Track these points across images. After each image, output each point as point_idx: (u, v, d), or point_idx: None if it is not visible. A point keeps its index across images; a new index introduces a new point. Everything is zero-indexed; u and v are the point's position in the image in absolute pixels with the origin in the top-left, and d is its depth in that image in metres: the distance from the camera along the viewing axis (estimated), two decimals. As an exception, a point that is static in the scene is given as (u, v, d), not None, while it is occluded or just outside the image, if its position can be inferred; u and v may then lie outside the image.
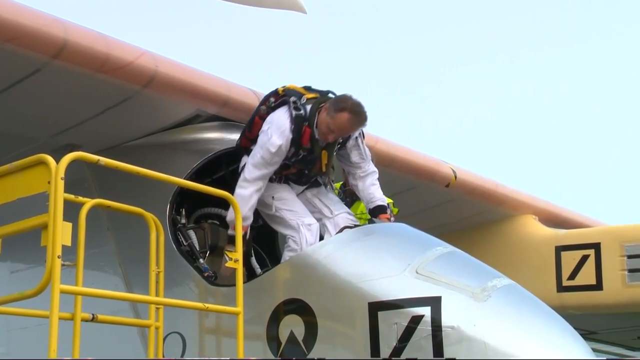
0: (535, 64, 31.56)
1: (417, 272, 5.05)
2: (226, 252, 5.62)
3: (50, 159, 4.32)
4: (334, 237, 5.69)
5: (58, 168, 4.27)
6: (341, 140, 5.91)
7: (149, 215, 5.18)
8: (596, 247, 9.47)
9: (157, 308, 5.14)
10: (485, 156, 27.46)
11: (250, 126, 5.95)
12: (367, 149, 6.10)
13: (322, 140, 5.77)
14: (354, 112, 5.62)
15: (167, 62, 6.23)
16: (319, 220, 5.85)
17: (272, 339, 5.34)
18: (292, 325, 5.27)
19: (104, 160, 4.58)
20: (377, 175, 6.13)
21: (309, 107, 5.71)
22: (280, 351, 5.28)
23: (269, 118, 5.76)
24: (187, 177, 6.15)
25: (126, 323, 5.63)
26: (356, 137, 5.97)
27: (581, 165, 28.73)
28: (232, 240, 5.54)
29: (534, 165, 29.02)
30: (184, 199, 6.30)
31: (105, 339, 5.80)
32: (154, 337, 5.09)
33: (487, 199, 9.74)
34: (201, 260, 5.99)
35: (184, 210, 6.27)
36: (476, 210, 9.89)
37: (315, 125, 5.69)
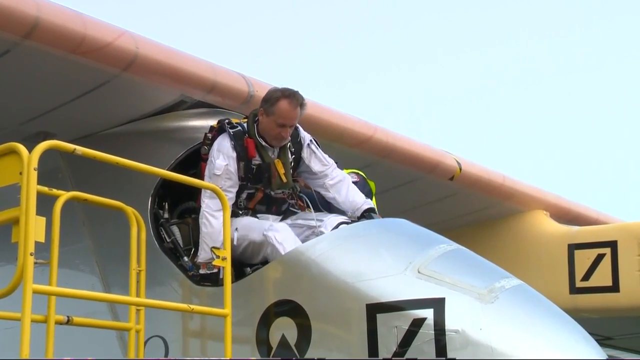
0: (547, 51, 31.63)
1: (418, 272, 5.05)
2: (213, 249, 5.62)
3: (22, 148, 4.31)
4: (329, 234, 5.68)
5: (31, 158, 4.26)
6: (293, 149, 6.05)
7: (129, 210, 5.19)
8: (612, 245, 9.50)
9: (138, 310, 5.15)
10: (493, 147, 27.53)
11: (202, 176, 6.04)
12: (326, 155, 6.23)
13: (277, 143, 5.96)
14: (288, 95, 5.89)
15: (149, 44, 6.22)
16: (311, 234, 5.84)
17: (262, 342, 5.34)
18: (284, 328, 5.27)
19: (80, 149, 4.57)
20: (350, 180, 6.27)
21: (245, 124, 6.01)
22: (271, 356, 5.29)
23: (211, 150, 5.98)
24: (171, 167, 6.16)
25: (104, 326, 5.63)
26: (308, 144, 6.16)
27: (596, 158, 28.83)
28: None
29: (545, 157, 29.12)
30: (167, 192, 6.30)
31: (81, 343, 5.79)
32: (134, 341, 5.10)
33: (494, 193, 9.76)
34: (185, 258, 5.98)
35: (167, 203, 6.27)
36: (482, 205, 9.91)
37: (257, 135, 5.93)
